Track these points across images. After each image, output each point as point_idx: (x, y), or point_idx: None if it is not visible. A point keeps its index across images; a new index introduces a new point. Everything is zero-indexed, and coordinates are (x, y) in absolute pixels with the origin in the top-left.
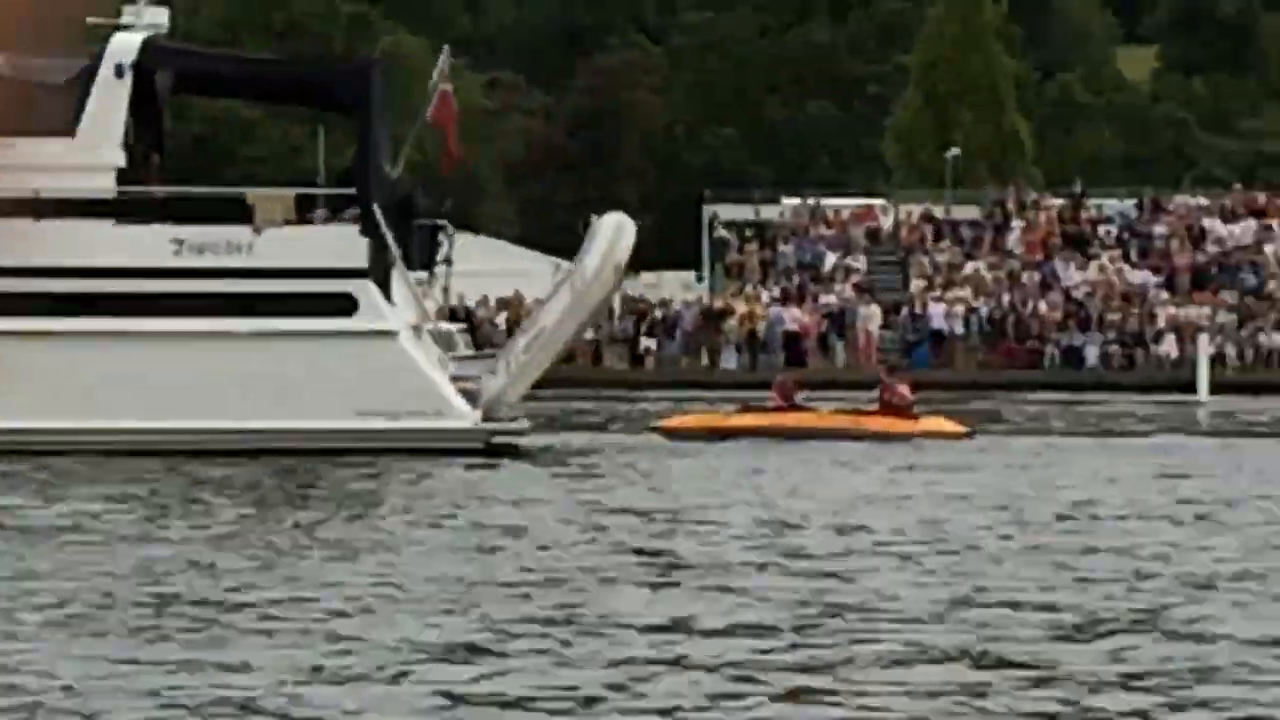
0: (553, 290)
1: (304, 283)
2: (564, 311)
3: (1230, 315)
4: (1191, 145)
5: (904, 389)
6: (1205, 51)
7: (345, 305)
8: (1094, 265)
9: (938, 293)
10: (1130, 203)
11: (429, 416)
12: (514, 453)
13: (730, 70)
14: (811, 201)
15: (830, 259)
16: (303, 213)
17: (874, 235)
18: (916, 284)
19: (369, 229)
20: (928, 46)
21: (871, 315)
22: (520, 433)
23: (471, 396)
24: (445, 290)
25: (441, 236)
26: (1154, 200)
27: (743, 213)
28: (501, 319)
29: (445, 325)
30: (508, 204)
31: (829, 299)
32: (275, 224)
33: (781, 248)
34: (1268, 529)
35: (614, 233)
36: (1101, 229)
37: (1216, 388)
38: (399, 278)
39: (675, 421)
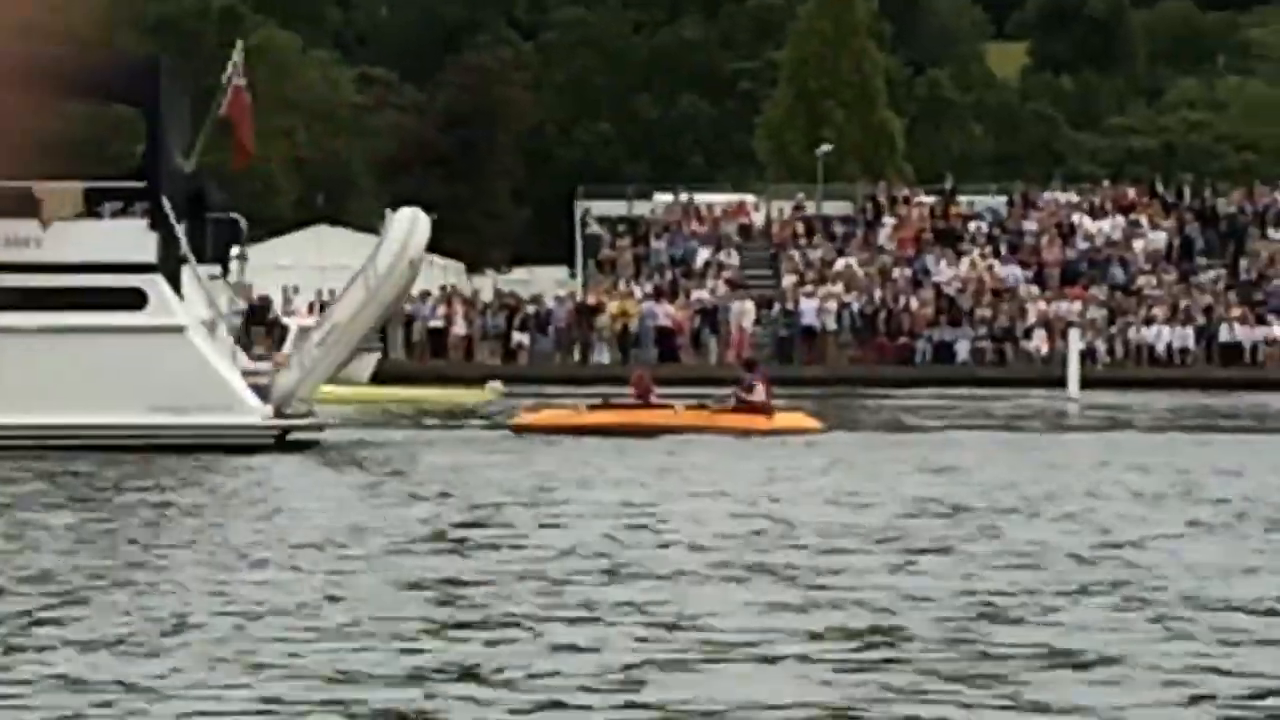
0: (346, 285)
1: (92, 277)
2: (358, 307)
3: (1100, 311)
4: (1060, 142)
5: (761, 385)
6: (1074, 49)
7: (134, 300)
8: (965, 261)
9: (810, 288)
10: (1001, 199)
11: (218, 412)
12: (310, 448)
13: (602, 66)
14: (684, 197)
15: (703, 255)
16: (91, 207)
17: (746, 231)
18: (788, 280)
19: (158, 223)
20: (799, 43)
21: (745, 311)
22: (319, 428)
23: (264, 391)
24: (239, 284)
25: (235, 231)
26: (1024, 196)
27: (615, 209)
28: None
29: (236, 318)
30: (379, 200)
31: (702, 294)
32: (63, 218)
33: (654, 243)
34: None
35: (408, 227)
36: (972, 225)
37: (1086, 383)
38: (190, 272)
39: (529, 418)
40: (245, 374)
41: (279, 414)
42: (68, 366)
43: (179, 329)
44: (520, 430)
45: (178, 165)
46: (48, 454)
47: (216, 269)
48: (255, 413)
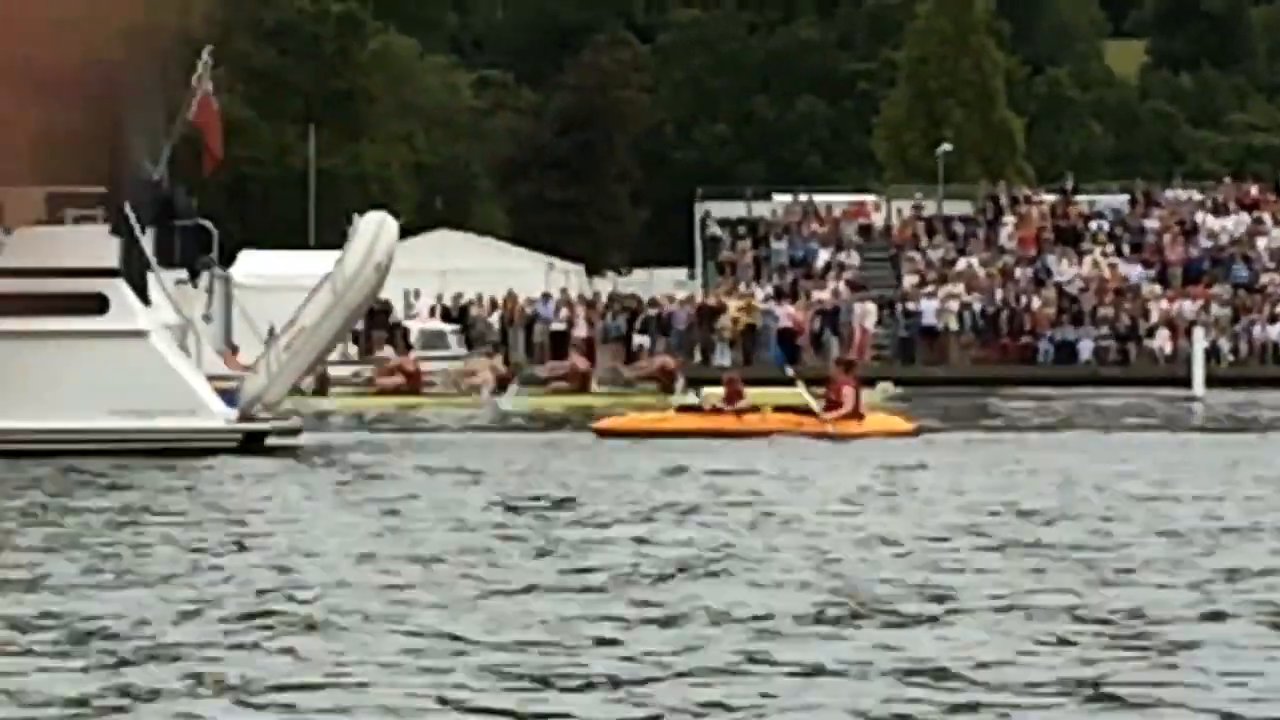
0: (314, 290)
1: (55, 282)
2: (324, 311)
3: (1224, 309)
4: (1180, 140)
5: (848, 387)
6: (1193, 46)
7: (96, 305)
8: (1087, 260)
9: (931, 289)
10: (1122, 198)
11: (182, 415)
12: (287, 452)
13: (719, 68)
14: (803, 198)
15: (823, 256)
16: (54, 212)
17: (866, 232)
18: (909, 280)
19: (121, 229)
20: (918, 42)
21: (867, 312)
22: (294, 431)
23: (232, 396)
24: (209, 290)
25: (205, 238)
26: (1145, 194)
27: (735, 210)
28: (495, 318)
29: (200, 323)
30: (499, 203)
31: (822, 295)
32: (26, 222)
33: (774, 244)
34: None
35: (375, 232)
36: (1093, 224)
37: (1211, 382)
38: (154, 278)
39: (609, 423)
40: (213, 378)
41: (245, 417)
42: (30, 371)
43: (141, 334)
44: (603, 434)
45: (144, 172)
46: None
47: (184, 274)
48: (219, 416)
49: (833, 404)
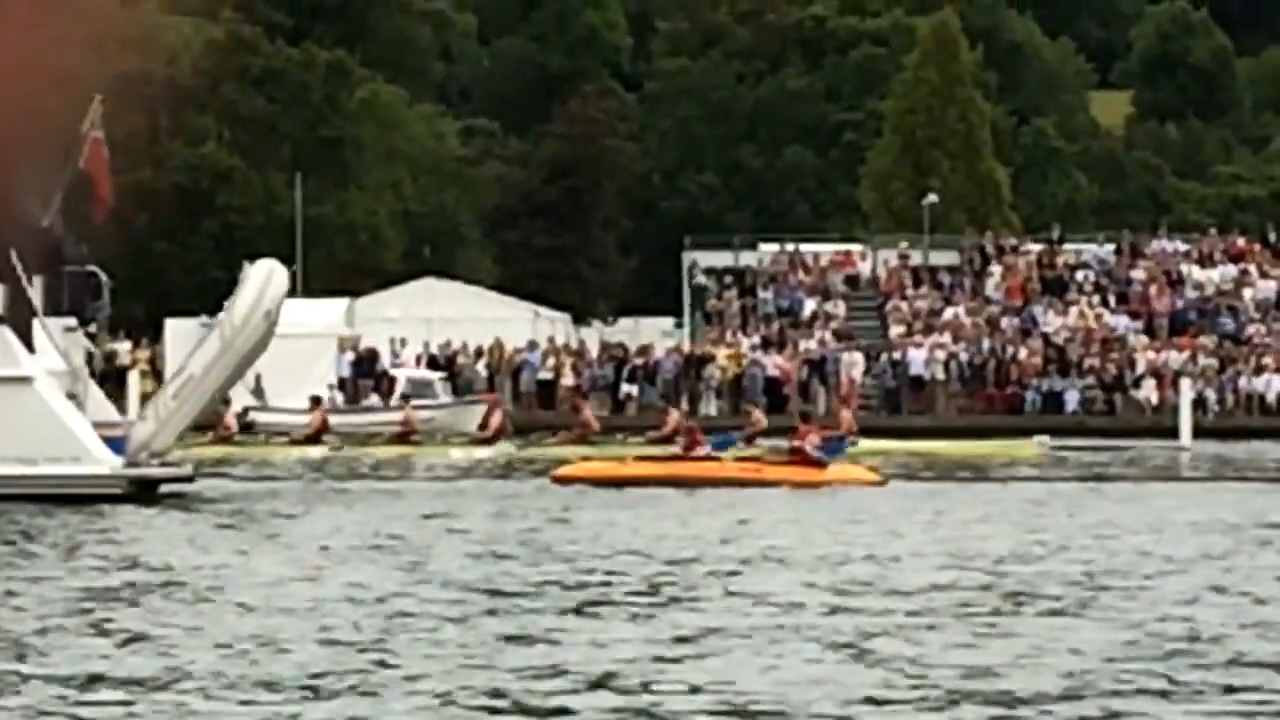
0: (202, 338)
1: None
2: (212, 359)
3: (1210, 360)
4: (1166, 191)
5: (814, 436)
6: (1178, 97)
7: None
8: (1073, 310)
9: (918, 339)
10: (1108, 248)
11: (66, 462)
12: (174, 499)
13: (707, 117)
14: (790, 248)
15: (809, 305)
16: None
17: (853, 281)
18: (896, 330)
19: (6, 275)
20: (905, 93)
21: (855, 362)
22: (186, 479)
23: (119, 444)
24: (94, 337)
25: (94, 284)
26: (1131, 245)
27: (722, 259)
28: (481, 366)
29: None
30: (486, 251)
31: (809, 345)
32: None
33: (761, 294)
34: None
35: (264, 280)
36: (1079, 274)
37: (1198, 433)
38: (40, 324)
39: (569, 470)
40: (99, 425)
41: (132, 464)
42: None
43: (26, 380)
44: (563, 481)
45: (32, 219)
46: None
47: (74, 321)
48: (104, 463)
49: (795, 453)
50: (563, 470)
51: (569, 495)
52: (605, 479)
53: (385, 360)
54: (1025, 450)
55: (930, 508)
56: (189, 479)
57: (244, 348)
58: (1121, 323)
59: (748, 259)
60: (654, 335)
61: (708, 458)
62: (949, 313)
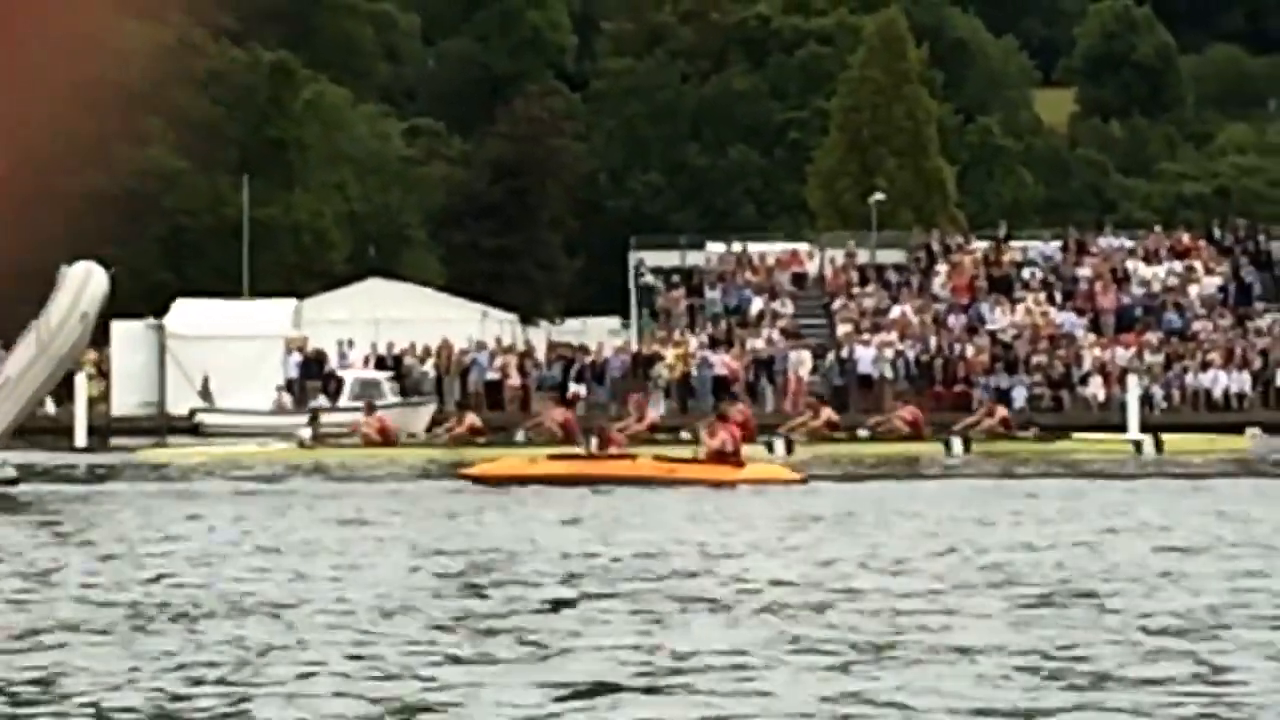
0: (19, 340)
1: None
2: (29, 362)
3: (1156, 356)
4: (1111, 188)
5: (725, 432)
6: (1122, 95)
7: None
8: (1019, 308)
9: (865, 337)
10: (1054, 245)
11: None
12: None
13: (652, 117)
14: (737, 247)
15: (757, 304)
16: None
17: (800, 280)
18: (843, 328)
19: None
20: (851, 91)
21: (802, 360)
22: (11, 481)
23: None
24: None
25: None
26: (1078, 242)
27: (669, 259)
28: (429, 366)
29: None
30: (432, 252)
31: (757, 344)
32: None
33: (708, 293)
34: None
35: (81, 282)
36: (1026, 272)
37: (1145, 429)
38: None
39: (480, 469)
40: None
41: None
42: None
43: None
44: (476, 480)
45: None
46: None
47: None
48: None
49: (713, 450)
50: (473, 469)
51: (466, 496)
52: (515, 478)
53: (333, 361)
54: (1239, 442)
55: (836, 508)
56: (12, 481)
57: (61, 350)
58: (1068, 320)
59: (694, 258)
60: (601, 335)
61: (621, 456)
62: (896, 311)
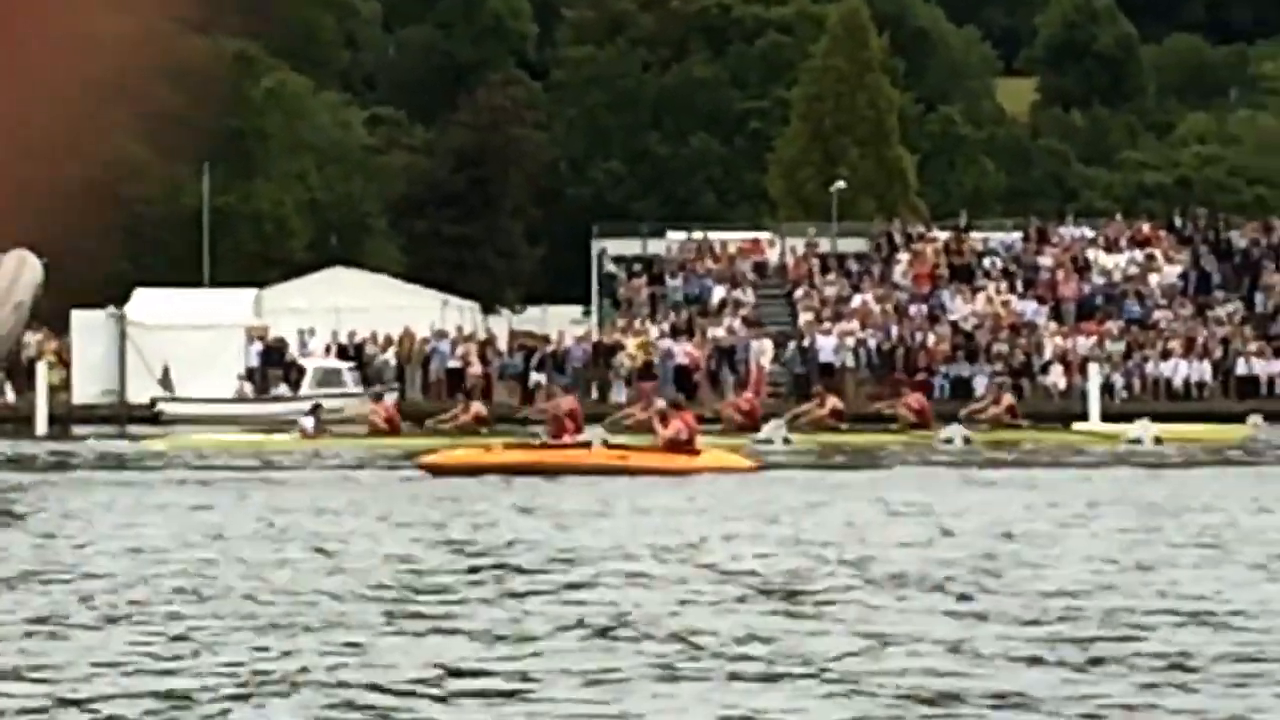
0: None
1: None
2: None
3: (1117, 345)
4: (1072, 177)
5: (678, 422)
6: (1083, 84)
7: None
8: (980, 297)
9: (826, 326)
10: (1015, 235)
11: None
12: None
13: (613, 105)
14: (698, 235)
15: (718, 293)
16: None
17: (761, 269)
18: (805, 317)
19: None
20: (813, 80)
21: (764, 349)
22: None
23: None
24: None
25: None
26: (1039, 231)
27: (630, 247)
28: (390, 355)
29: None
30: (393, 241)
31: (718, 332)
32: None
33: (669, 282)
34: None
35: (15, 270)
36: (987, 261)
37: (1106, 418)
38: None
39: (434, 458)
40: None
41: None
42: None
43: None
44: (431, 469)
45: None
46: None
47: None
48: None
49: (668, 439)
50: (429, 458)
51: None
52: (470, 467)
53: (294, 350)
54: (1242, 431)
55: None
56: None
57: None
58: (1029, 308)
59: (656, 247)
60: (562, 323)
61: (576, 445)
62: (857, 300)
